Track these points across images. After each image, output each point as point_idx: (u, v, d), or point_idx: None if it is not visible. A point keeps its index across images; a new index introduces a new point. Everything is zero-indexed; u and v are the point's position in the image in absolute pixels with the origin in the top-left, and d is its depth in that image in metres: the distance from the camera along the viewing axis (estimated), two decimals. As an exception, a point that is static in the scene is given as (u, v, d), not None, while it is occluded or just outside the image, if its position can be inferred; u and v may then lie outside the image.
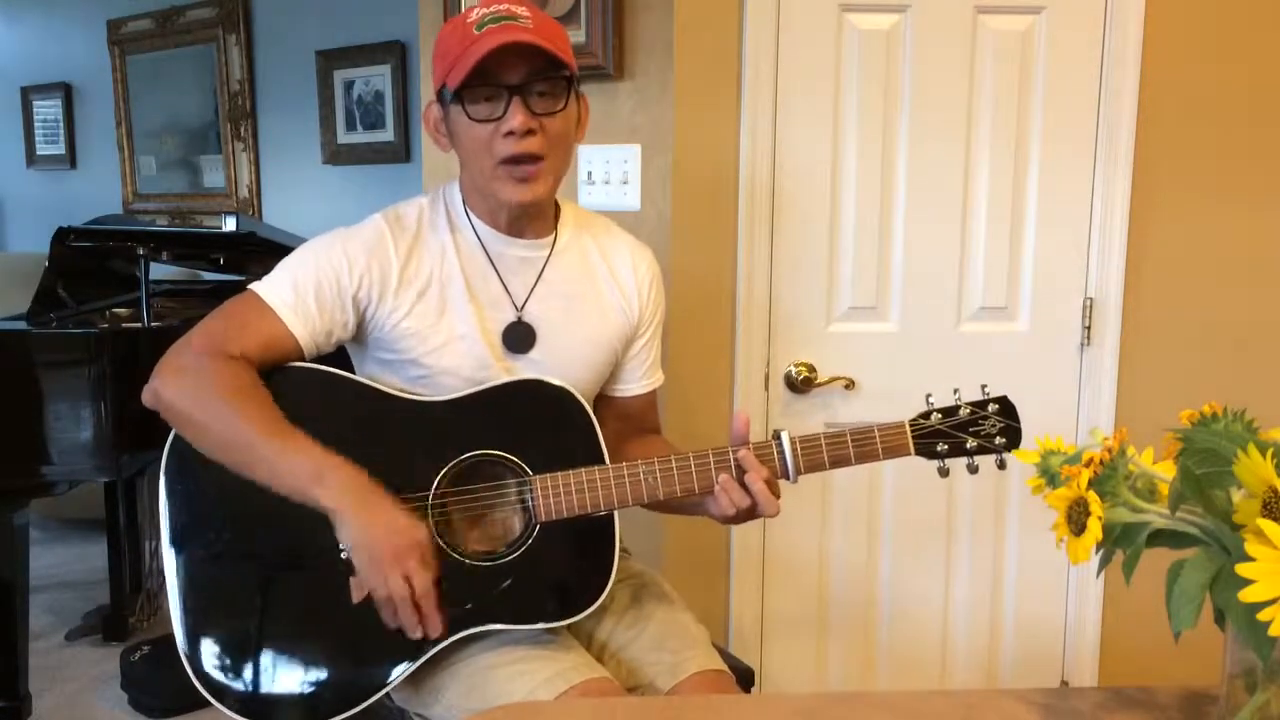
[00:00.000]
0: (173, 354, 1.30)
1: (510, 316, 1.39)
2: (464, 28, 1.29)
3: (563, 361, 1.40)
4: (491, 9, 1.30)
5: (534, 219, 1.40)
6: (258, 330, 1.30)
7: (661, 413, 1.61)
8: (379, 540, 1.21)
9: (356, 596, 1.26)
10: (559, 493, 1.28)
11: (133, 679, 2.58)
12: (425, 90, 2.17)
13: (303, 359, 1.34)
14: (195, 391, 1.26)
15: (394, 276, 1.34)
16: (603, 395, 1.52)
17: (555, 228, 1.44)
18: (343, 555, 1.26)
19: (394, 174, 3.55)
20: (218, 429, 1.26)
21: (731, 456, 1.29)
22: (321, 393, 1.31)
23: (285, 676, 1.28)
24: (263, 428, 1.24)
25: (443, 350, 1.35)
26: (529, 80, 1.28)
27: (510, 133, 1.28)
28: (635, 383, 1.53)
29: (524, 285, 1.41)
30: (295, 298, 1.32)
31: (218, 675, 1.28)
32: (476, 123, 1.29)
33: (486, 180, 1.33)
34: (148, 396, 1.29)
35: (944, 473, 1.31)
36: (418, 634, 1.25)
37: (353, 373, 1.40)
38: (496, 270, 1.39)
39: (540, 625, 1.31)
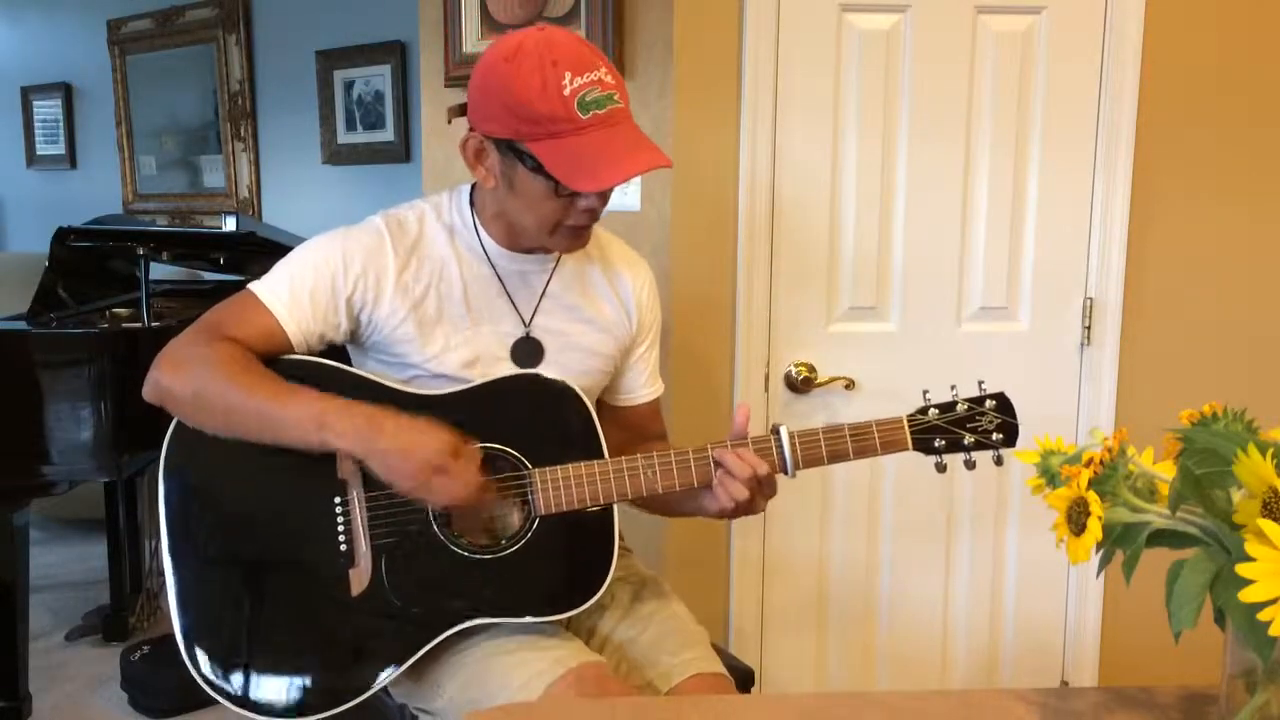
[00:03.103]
0: (170, 346, 1.31)
1: (518, 332, 1.39)
2: (561, 101, 1.21)
3: (567, 373, 1.40)
4: (585, 78, 1.22)
5: None
6: (252, 324, 1.31)
7: (663, 414, 1.61)
8: (404, 459, 1.21)
9: (356, 590, 1.26)
10: (559, 486, 1.29)
11: (132, 679, 2.58)
12: (425, 90, 2.17)
13: None
14: (194, 372, 1.27)
15: (390, 281, 1.34)
16: (607, 406, 1.52)
17: None
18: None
19: (394, 174, 3.54)
20: (220, 400, 1.26)
21: (730, 449, 1.30)
22: (321, 384, 1.31)
23: (285, 672, 1.28)
24: (262, 388, 1.25)
25: (440, 358, 1.35)
26: None
27: (589, 209, 1.30)
28: (638, 391, 1.53)
29: (529, 300, 1.41)
30: (290, 297, 1.32)
31: (218, 671, 1.27)
32: (558, 196, 1.27)
33: (536, 231, 1.33)
34: (148, 389, 1.30)
35: (941, 468, 1.32)
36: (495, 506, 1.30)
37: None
38: (504, 286, 1.39)
39: (539, 619, 1.31)
